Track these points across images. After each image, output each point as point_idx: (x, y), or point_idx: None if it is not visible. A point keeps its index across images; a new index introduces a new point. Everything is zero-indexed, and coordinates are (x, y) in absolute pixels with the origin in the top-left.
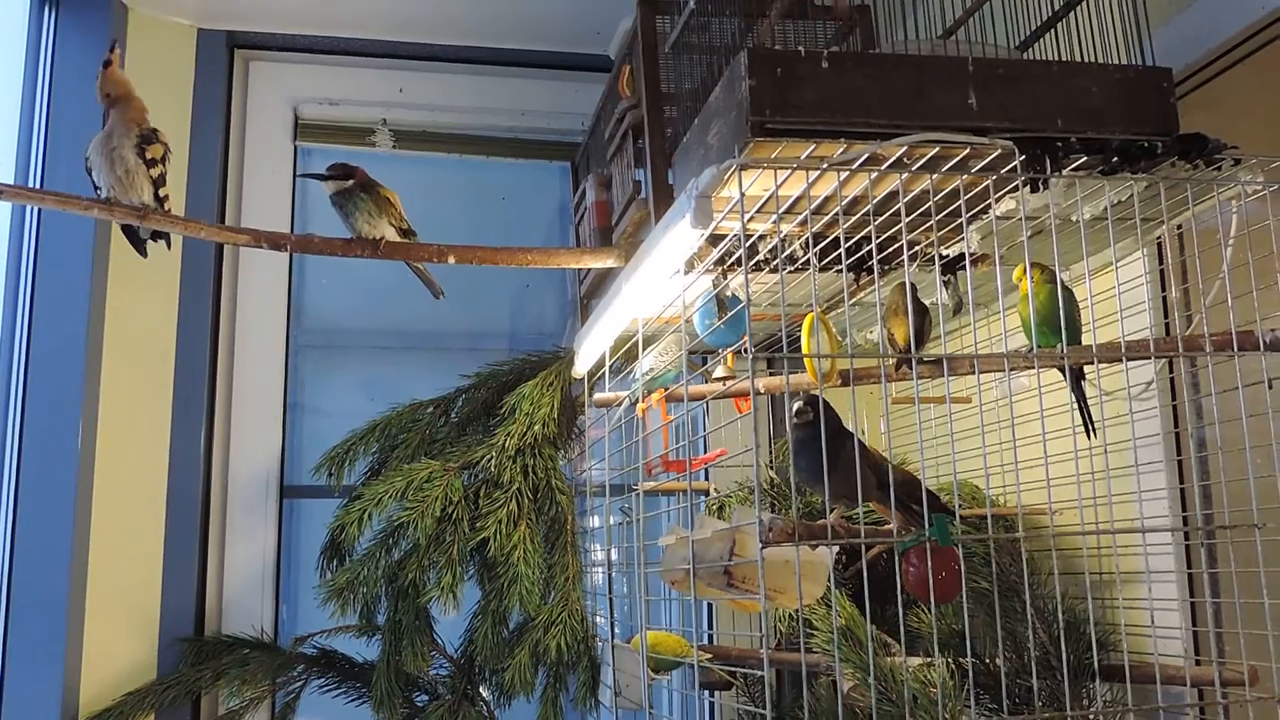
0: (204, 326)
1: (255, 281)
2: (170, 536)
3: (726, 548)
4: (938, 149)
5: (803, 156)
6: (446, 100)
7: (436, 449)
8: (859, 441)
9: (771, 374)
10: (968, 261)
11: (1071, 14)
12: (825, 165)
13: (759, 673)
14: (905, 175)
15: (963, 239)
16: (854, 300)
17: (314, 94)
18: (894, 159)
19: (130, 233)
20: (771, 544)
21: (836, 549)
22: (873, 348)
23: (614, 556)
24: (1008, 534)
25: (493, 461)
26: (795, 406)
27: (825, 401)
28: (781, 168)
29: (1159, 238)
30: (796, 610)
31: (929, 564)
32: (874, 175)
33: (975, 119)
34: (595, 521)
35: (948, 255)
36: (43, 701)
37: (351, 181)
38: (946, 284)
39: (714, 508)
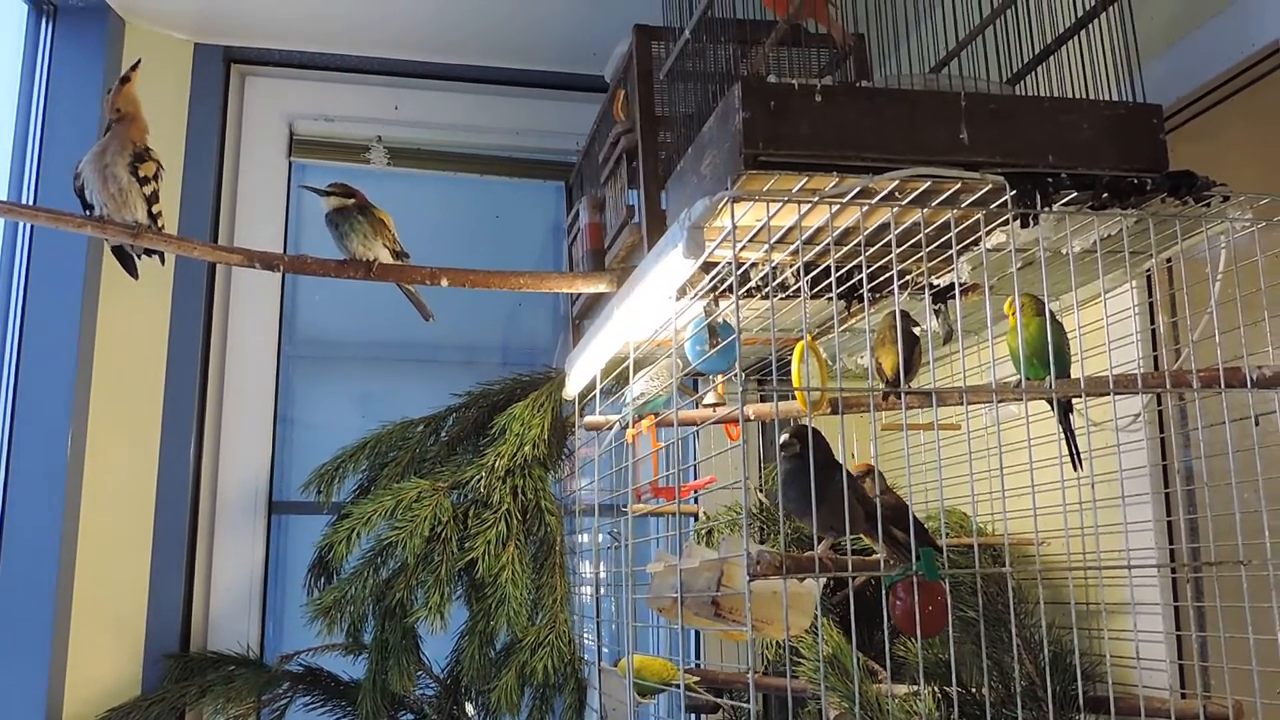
0: (195, 339)
1: (247, 294)
2: (157, 551)
3: (714, 578)
4: (929, 183)
5: (795, 189)
6: (441, 118)
7: (426, 468)
8: (847, 473)
9: (763, 393)
10: (958, 292)
11: (1063, 48)
12: (817, 198)
13: (745, 705)
14: (897, 208)
15: (953, 269)
16: (844, 327)
17: (310, 110)
18: (886, 193)
19: (121, 253)
20: (759, 577)
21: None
22: (862, 373)
23: (602, 576)
24: (995, 568)
25: (482, 482)
26: (782, 439)
27: (815, 431)
28: (774, 200)
29: (1148, 270)
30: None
31: (916, 598)
32: (866, 208)
33: (967, 154)
34: (584, 539)
35: (938, 285)
36: (26, 718)
37: (352, 201)
38: (937, 313)
39: (702, 533)
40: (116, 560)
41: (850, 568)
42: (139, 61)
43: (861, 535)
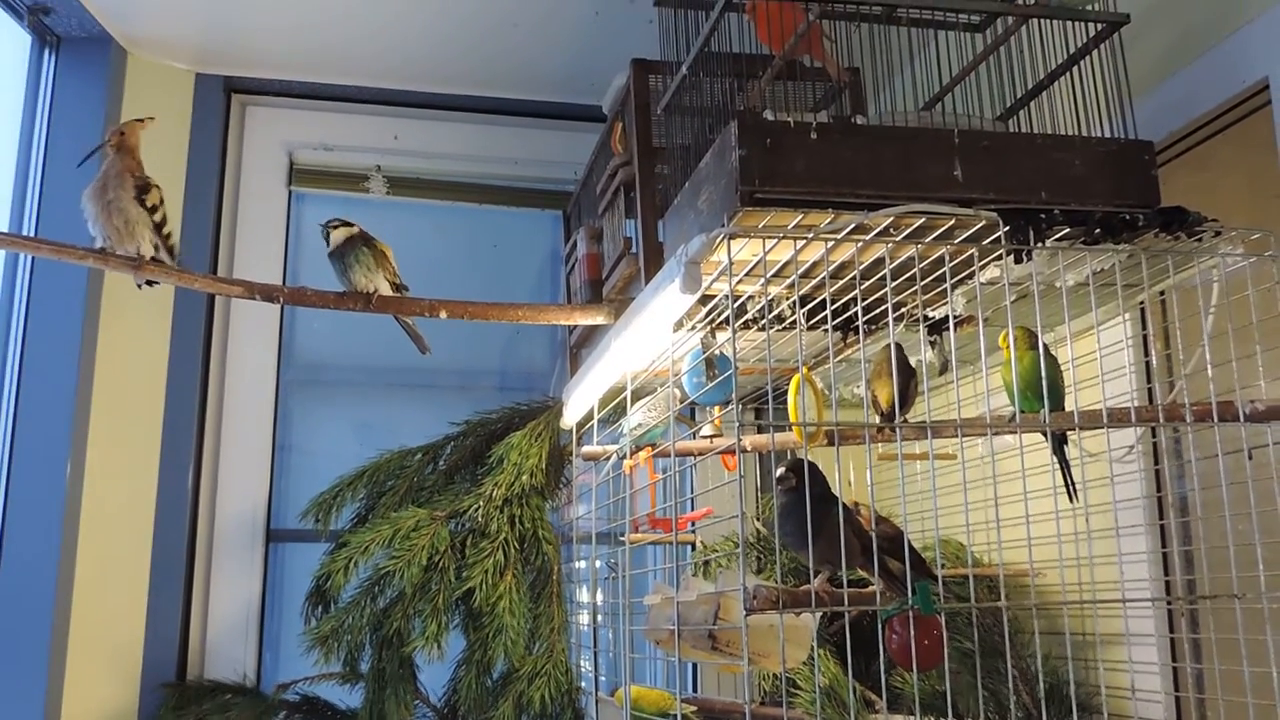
0: (194, 367)
1: (247, 322)
2: (155, 579)
3: (711, 611)
4: (924, 219)
5: (791, 225)
6: (440, 148)
7: (424, 497)
8: (843, 505)
9: (759, 423)
10: (951, 324)
11: (1055, 83)
12: (812, 235)
13: None
14: (891, 244)
15: (948, 302)
16: (840, 358)
17: (309, 139)
18: (881, 229)
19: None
20: (756, 611)
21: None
22: (858, 402)
23: (600, 605)
24: (991, 601)
25: (480, 511)
26: (779, 473)
27: (811, 464)
28: (769, 237)
29: (1141, 303)
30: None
31: (912, 632)
32: (861, 244)
33: (960, 190)
34: (581, 565)
35: (933, 317)
36: None
37: (356, 230)
38: (932, 344)
39: (700, 563)
40: (114, 588)
41: (847, 601)
42: (154, 118)
43: (859, 570)
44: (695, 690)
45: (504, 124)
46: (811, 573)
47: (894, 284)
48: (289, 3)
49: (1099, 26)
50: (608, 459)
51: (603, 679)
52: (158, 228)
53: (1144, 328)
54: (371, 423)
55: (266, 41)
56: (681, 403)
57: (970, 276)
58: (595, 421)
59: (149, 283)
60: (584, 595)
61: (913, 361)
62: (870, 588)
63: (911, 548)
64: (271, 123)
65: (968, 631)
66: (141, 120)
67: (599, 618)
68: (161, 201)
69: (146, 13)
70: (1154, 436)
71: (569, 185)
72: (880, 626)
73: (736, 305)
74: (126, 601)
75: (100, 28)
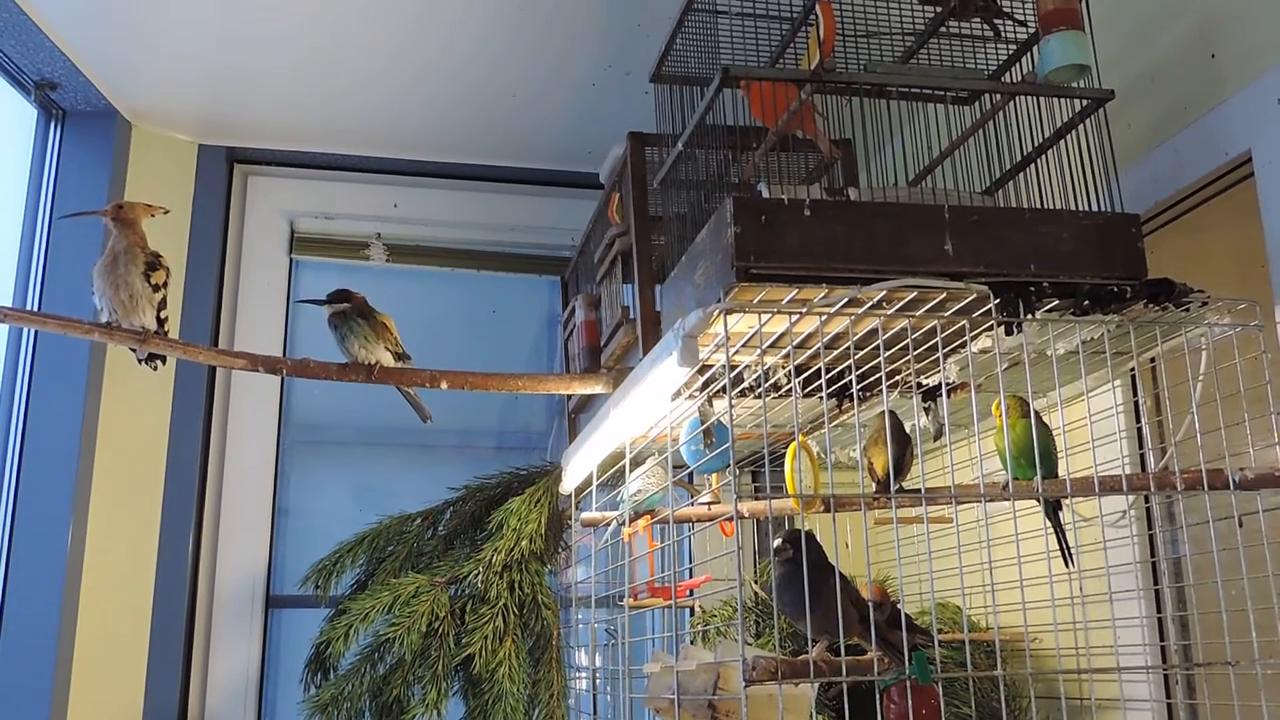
0: (195, 434)
1: (247, 389)
2: (154, 647)
3: (711, 680)
4: (916, 293)
5: (785, 300)
6: (439, 215)
7: (424, 562)
8: (840, 575)
9: (757, 486)
10: (944, 392)
11: (1043, 155)
12: (807, 309)
13: None
14: (884, 317)
15: (941, 370)
16: (836, 423)
17: (310, 208)
18: (874, 302)
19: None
20: (755, 682)
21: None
22: (853, 464)
23: (599, 671)
24: (988, 663)
25: (479, 577)
26: (776, 544)
27: (808, 534)
28: (765, 311)
29: (1131, 369)
30: None
31: (910, 701)
32: (854, 316)
33: (951, 264)
34: (580, 626)
35: (927, 384)
36: None
37: (348, 305)
38: (926, 410)
39: (698, 629)
40: (114, 655)
41: (845, 670)
42: (167, 210)
43: (856, 638)
44: None
45: (502, 191)
46: (809, 642)
47: (888, 353)
48: (290, 75)
49: (1084, 102)
50: (607, 525)
51: None
52: (158, 307)
53: (1135, 394)
54: (370, 485)
55: (268, 113)
56: (681, 474)
57: (963, 346)
58: (594, 488)
59: (152, 360)
60: (582, 658)
61: (908, 427)
62: (868, 655)
63: (908, 617)
64: (273, 192)
65: (966, 697)
66: (150, 206)
67: (598, 683)
68: (166, 283)
69: (151, 86)
70: (1147, 501)
71: (566, 251)
72: (878, 696)
73: (733, 374)
74: (126, 668)
75: (106, 101)
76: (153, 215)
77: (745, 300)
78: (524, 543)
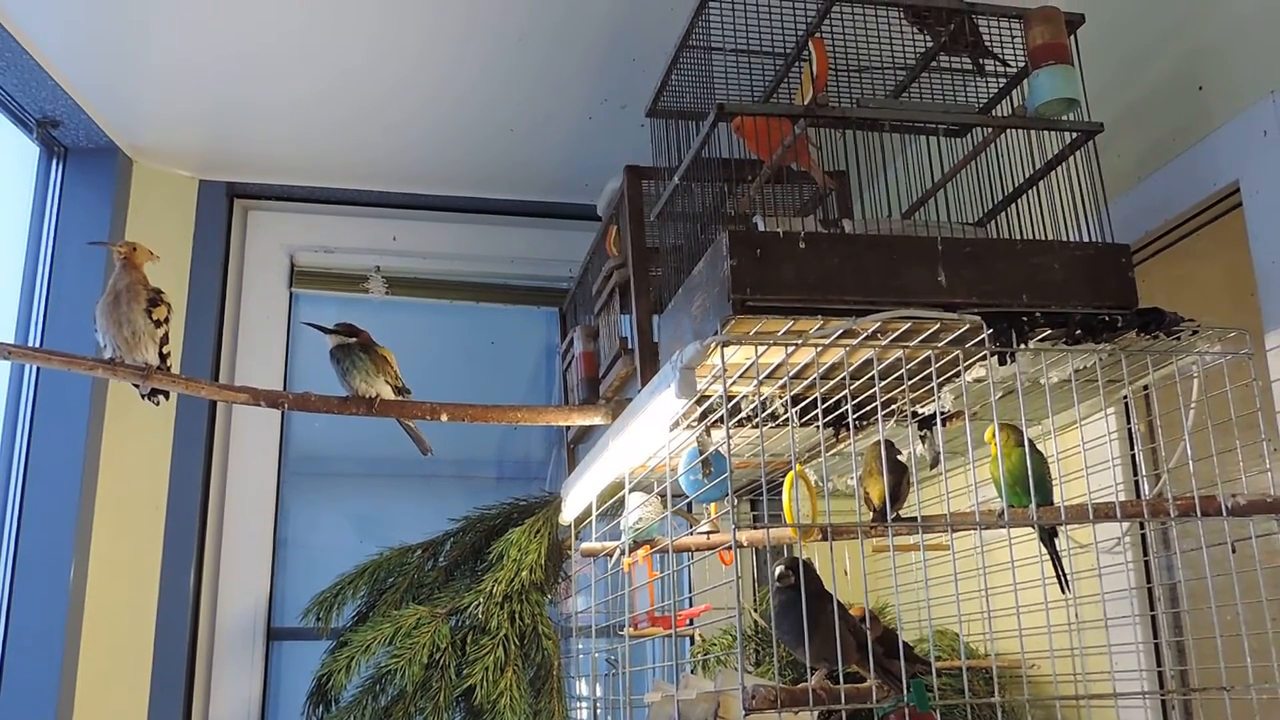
0: (196, 468)
1: (248, 422)
2: (156, 680)
3: (711, 709)
4: (910, 324)
5: (781, 332)
6: (438, 248)
7: (425, 594)
8: (838, 603)
9: (755, 515)
10: (938, 421)
11: (1034, 187)
12: (803, 340)
13: None
14: (879, 347)
15: (936, 399)
16: (833, 452)
17: (310, 242)
18: (868, 333)
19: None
20: (755, 710)
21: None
22: (850, 492)
23: (600, 701)
24: (986, 689)
25: (480, 608)
26: (777, 571)
27: (807, 563)
28: (761, 343)
29: (1124, 397)
30: None
31: None
32: (849, 348)
33: (945, 295)
34: (581, 654)
35: (922, 413)
36: None
37: (355, 340)
38: (922, 439)
39: (698, 657)
40: (115, 689)
41: (844, 698)
42: (159, 258)
43: (854, 666)
44: None
45: (500, 224)
46: (808, 670)
47: (883, 383)
48: (290, 111)
49: (1074, 135)
50: (608, 555)
51: None
52: (160, 343)
53: (1128, 421)
54: (370, 515)
55: (268, 148)
56: (679, 505)
57: (957, 375)
58: (594, 518)
59: (155, 396)
60: (583, 688)
61: (903, 455)
62: (866, 683)
63: (906, 645)
64: (273, 226)
65: None
66: (152, 253)
67: (599, 712)
68: (167, 319)
69: (152, 124)
70: (1142, 528)
71: (564, 282)
72: None
73: (730, 405)
74: (128, 701)
75: (107, 138)
76: (151, 259)
77: (742, 332)
78: (524, 573)
